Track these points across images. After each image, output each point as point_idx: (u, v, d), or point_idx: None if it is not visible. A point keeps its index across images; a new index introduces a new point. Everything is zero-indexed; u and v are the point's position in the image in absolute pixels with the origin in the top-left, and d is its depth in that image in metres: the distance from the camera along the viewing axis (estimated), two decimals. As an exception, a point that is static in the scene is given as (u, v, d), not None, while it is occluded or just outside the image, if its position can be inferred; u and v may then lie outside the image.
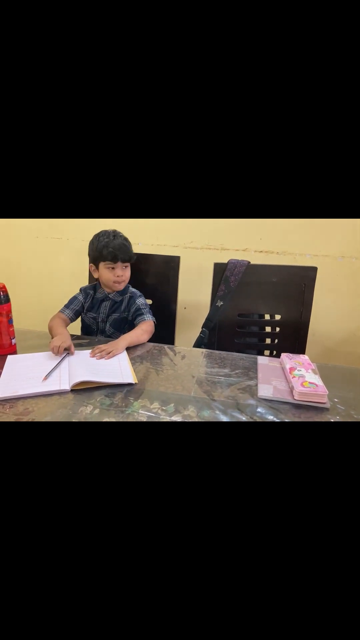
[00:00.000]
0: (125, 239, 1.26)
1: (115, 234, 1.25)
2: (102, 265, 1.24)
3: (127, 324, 1.31)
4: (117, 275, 1.23)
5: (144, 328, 1.22)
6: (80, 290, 1.35)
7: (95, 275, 1.30)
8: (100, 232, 1.27)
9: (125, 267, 1.25)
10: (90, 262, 1.29)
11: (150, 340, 1.23)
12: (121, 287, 1.27)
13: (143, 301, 1.30)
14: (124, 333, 1.29)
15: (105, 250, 1.21)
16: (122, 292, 1.30)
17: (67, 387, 0.90)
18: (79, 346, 1.16)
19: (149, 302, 1.40)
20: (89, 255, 1.28)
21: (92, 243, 1.27)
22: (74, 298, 1.33)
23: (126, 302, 1.31)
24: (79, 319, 1.36)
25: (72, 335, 1.23)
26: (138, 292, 1.33)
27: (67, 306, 1.31)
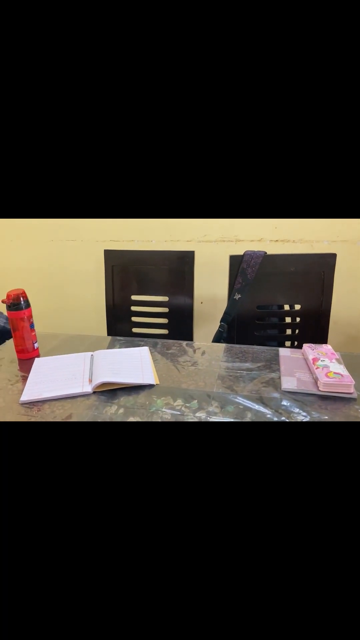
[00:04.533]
0: None
1: None
2: None
3: None
4: None
5: None
6: None
7: None
8: None
9: None
10: None
11: (168, 337, 1.23)
12: None
13: None
14: None
15: None
16: None
17: (89, 389, 0.91)
18: (100, 347, 1.18)
19: (165, 299, 1.39)
20: None
21: None
22: None
23: None
24: None
25: (92, 336, 1.25)
26: None
27: None
